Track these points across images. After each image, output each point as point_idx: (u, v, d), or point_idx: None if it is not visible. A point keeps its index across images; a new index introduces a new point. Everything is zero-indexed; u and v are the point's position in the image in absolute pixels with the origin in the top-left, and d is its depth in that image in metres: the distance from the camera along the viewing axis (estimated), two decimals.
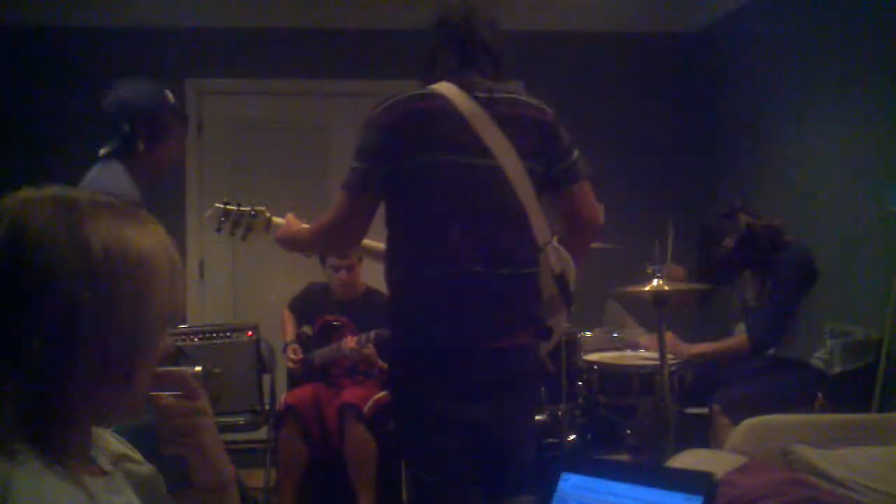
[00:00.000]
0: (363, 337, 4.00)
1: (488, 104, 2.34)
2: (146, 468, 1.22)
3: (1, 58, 5.36)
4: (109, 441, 1.19)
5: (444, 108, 2.31)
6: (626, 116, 5.69)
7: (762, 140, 5.14)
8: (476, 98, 2.33)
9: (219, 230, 2.79)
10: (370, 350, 4.01)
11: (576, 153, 2.47)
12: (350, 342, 4.02)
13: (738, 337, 3.75)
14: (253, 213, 2.80)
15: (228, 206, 2.81)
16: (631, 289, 3.30)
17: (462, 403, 2.31)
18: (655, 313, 3.24)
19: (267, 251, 5.70)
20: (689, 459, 2.64)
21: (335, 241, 2.58)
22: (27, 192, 1.04)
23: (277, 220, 2.76)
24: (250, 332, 4.29)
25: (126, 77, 2.88)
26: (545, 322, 2.45)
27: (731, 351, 3.77)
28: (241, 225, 2.82)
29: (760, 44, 5.17)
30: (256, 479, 4.07)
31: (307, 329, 4.37)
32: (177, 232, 5.38)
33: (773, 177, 5.01)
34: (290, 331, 4.38)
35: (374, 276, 4.60)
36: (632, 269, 3.39)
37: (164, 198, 5.22)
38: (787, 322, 3.59)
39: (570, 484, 1.33)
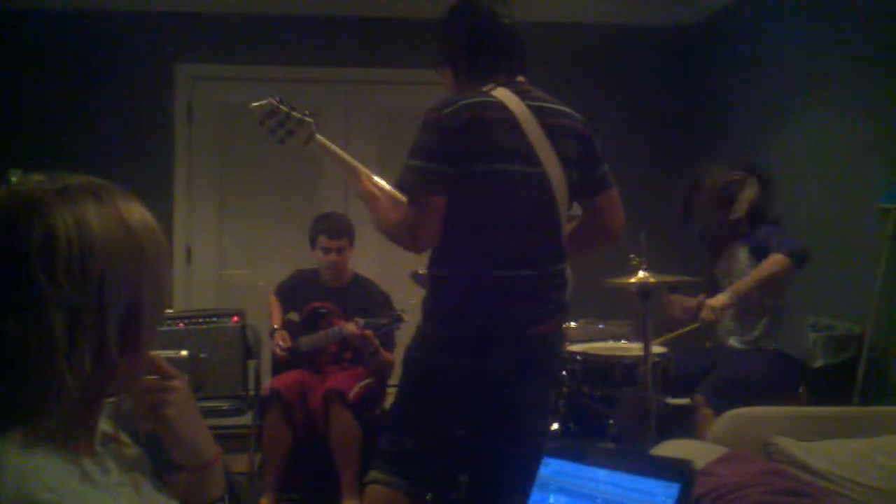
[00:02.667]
0: (362, 322, 4.01)
1: (539, 113, 2.44)
2: (133, 450, 1.24)
3: None
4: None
5: (504, 118, 2.40)
6: (625, 107, 5.68)
7: (754, 134, 5.15)
8: (528, 107, 2.43)
9: (261, 123, 2.79)
10: (370, 334, 4.01)
11: (605, 163, 2.63)
12: (351, 326, 4.02)
13: (772, 258, 3.52)
14: (302, 121, 2.78)
15: (281, 106, 2.78)
16: (617, 280, 3.31)
17: (494, 387, 2.47)
18: (640, 305, 3.25)
19: (254, 237, 5.74)
20: (670, 449, 2.66)
21: (408, 245, 2.52)
22: (51, 183, 1.06)
23: (320, 137, 2.78)
24: (236, 318, 4.30)
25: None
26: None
27: (770, 275, 3.51)
28: (284, 127, 2.80)
29: (755, 40, 5.20)
30: (241, 463, 4.08)
31: (293, 315, 4.37)
32: (165, 217, 5.37)
33: (763, 164, 5.02)
34: (277, 317, 4.37)
35: (361, 263, 4.62)
36: (618, 260, 3.38)
37: (152, 183, 5.23)
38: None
39: (551, 469, 1.35)
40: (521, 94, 2.45)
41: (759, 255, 3.59)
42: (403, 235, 2.48)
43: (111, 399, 1.15)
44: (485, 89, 2.45)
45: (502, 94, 2.43)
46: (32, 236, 0.99)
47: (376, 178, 2.73)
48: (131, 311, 1.06)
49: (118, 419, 1.26)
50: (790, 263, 3.48)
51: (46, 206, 1.02)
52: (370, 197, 2.66)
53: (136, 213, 1.09)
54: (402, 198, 2.54)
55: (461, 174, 2.36)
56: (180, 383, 1.21)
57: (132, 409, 1.19)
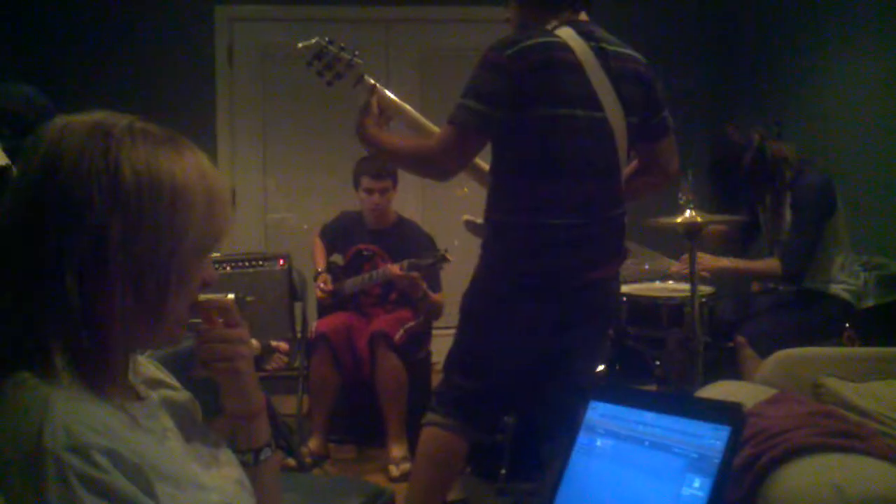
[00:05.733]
0: (405, 263, 4.00)
1: (602, 56, 2.39)
2: (183, 394, 1.25)
3: None
4: (147, 367, 1.22)
5: (569, 60, 2.34)
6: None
7: (792, 68, 5.02)
8: (593, 49, 2.37)
9: (309, 65, 2.70)
10: (417, 275, 4.01)
11: (665, 107, 2.59)
12: (395, 268, 4.01)
13: (770, 260, 3.64)
14: (351, 62, 2.68)
15: (329, 47, 2.68)
16: (662, 220, 3.26)
17: (551, 331, 2.47)
18: (686, 245, 3.21)
19: (298, 179, 5.75)
20: (718, 391, 2.65)
21: (433, 170, 2.51)
22: (67, 118, 1.04)
23: (369, 79, 2.67)
24: (282, 261, 4.31)
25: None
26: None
27: (760, 273, 3.70)
28: (332, 69, 2.71)
29: None
30: (288, 405, 4.13)
31: (338, 258, 4.39)
32: None
33: (805, 107, 4.90)
34: (321, 259, 4.40)
35: (404, 205, 4.61)
36: (662, 200, 3.32)
37: (194, 126, 5.23)
38: (814, 251, 3.53)
39: (599, 412, 1.34)
40: (586, 34, 2.38)
41: (797, 206, 3.55)
42: (432, 162, 2.43)
43: (163, 345, 1.15)
44: (549, 27, 2.39)
45: (566, 33, 2.36)
46: (39, 168, 1.00)
47: (423, 120, 2.69)
48: (97, 256, 0.99)
49: (168, 364, 1.27)
50: (779, 274, 3.57)
51: (52, 133, 1.02)
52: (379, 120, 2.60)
53: (136, 156, 1.02)
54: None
55: (521, 119, 2.32)
56: (246, 332, 1.21)
57: (190, 355, 1.19)
